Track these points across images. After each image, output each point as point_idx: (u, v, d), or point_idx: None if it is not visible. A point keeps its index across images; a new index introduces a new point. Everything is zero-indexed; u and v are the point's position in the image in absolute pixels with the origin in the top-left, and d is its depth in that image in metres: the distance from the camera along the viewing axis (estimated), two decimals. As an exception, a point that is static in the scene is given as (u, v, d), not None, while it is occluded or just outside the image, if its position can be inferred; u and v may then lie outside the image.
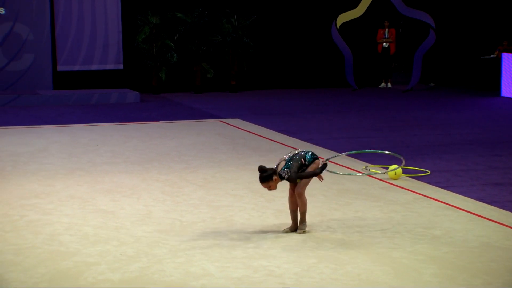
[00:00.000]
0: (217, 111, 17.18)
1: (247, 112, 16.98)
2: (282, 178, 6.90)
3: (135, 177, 9.75)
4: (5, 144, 12.42)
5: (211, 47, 21.77)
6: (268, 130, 13.94)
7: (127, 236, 7.02)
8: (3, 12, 20.25)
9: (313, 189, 8.47)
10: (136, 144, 12.34)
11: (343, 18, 22.13)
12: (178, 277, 5.90)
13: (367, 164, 10.51)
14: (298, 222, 7.15)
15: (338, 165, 10.48)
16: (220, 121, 15.33)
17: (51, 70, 20.64)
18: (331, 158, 7.54)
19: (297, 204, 7.10)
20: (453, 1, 23.73)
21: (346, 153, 9.09)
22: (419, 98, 19.94)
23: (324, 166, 7.03)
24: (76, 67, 21.02)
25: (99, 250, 6.58)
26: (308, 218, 7.37)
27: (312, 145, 12.23)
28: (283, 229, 7.19)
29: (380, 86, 23.30)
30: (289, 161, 6.95)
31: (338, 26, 22.03)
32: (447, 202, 8.28)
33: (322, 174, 7.11)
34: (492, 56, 21.85)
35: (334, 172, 7.75)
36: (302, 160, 7.01)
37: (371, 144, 12.44)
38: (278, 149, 11.71)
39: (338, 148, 11.97)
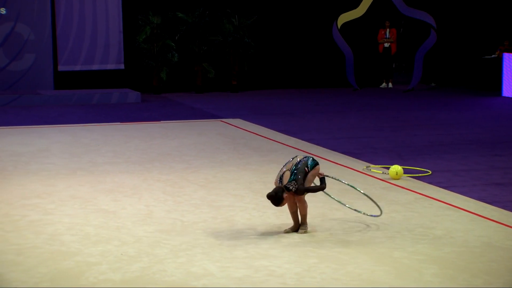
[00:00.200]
0: (218, 111, 17.18)
1: (248, 112, 16.98)
2: (289, 190, 6.91)
3: (136, 177, 9.75)
4: (6, 144, 12.43)
5: (212, 47, 21.77)
6: (269, 130, 13.95)
7: (128, 236, 7.03)
8: (4, 12, 20.26)
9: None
10: (137, 144, 12.35)
11: (344, 18, 22.12)
12: (179, 277, 5.90)
13: (368, 164, 10.51)
14: (301, 222, 7.14)
15: (340, 165, 10.48)
16: (221, 121, 15.34)
17: (52, 70, 20.64)
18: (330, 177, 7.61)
19: (296, 206, 7.11)
20: (454, 1, 23.72)
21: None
22: (420, 98, 19.93)
23: (324, 179, 7.07)
24: (77, 67, 21.03)
25: (100, 250, 6.58)
26: (309, 218, 7.37)
27: (313, 145, 12.23)
28: (284, 229, 7.19)
29: (381, 86, 23.30)
30: (295, 173, 6.95)
31: (339, 26, 22.03)
32: (448, 202, 8.28)
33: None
34: (493, 56, 21.84)
35: (338, 180, 7.75)
36: (306, 168, 7.02)
37: (372, 144, 12.44)
38: (279, 149, 11.72)
39: (339, 148, 11.97)
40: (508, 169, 10.33)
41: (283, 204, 6.93)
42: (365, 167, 10.25)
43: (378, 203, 8.14)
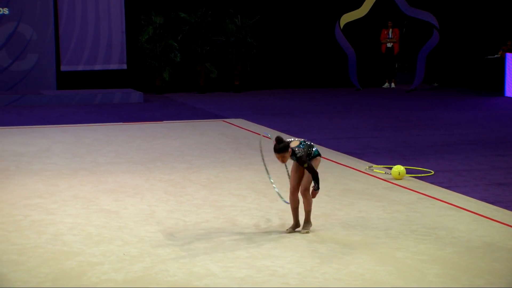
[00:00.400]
0: (220, 111, 17.18)
1: (250, 112, 16.98)
2: (293, 154, 6.90)
3: (139, 177, 9.75)
4: (8, 144, 12.44)
5: (215, 47, 21.77)
6: (271, 130, 13.94)
7: (131, 236, 7.03)
8: (7, 12, 20.28)
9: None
10: (139, 144, 12.35)
11: (347, 18, 22.12)
12: (181, 277, 5.90)
13: (370, 164, 10.51)
14: (303, 221, 7.15)
15: (342, 165, 10.48)
16: (223, 121, 15.34)
17: (55, 70, 20.67)
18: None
19: (298, 201, 7.11)
20: (457, 1, 23.71)
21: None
22: (423, 98, 19.92)
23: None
24: (80, 67, 21.04)
25: (103, 250, 6.58)
26: (311, 218, 7.37)
27: (315, 145, 12.20)
28: (286, 229, 7.19)
29: (383, 86, 23.29)
30: (303, 143, 7.00)
31: (341, 26, 22.03)
32: (450, 202, 8.28)
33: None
34: (496, 56, 21.83)
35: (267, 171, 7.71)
36: (311, 150, 7.03)
37: (373, 144, 12.43)
38: (281, 149, 11.71)
39: (341, 148, 11.97)
40: (511, 169, 10.32)
41: (283, 159, 6.89)
42: (367, 167, 10.25)
43: (380, 203, 8.16)
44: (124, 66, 21.35)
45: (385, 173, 9.82)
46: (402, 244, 6.74)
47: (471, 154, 11.49)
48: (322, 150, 11.55)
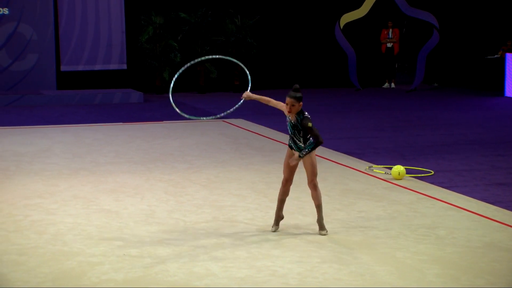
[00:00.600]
0: (220, 111, 17.15)
1: (250, 112, 16.98)
2: (301, 113, 6.88)
3: (139, 177, 9.76)
4: (8, 144, 12.44)
5: (215, 47, 21.77)
6: (271, 130, 13.95)
7: (131, 236, 7.03)
8: (7, 12, 20.28)
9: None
10: (139, 144, 12.35)
11: (347, 18, 22.12)
12: (181, 277, 5.90)
13: (370, 164, 10.51)
14: (317, 219, 7.01)
15: (341, 165, 10.48)
16: (223, 121, 15.34)
17: (55, 70, 20.67)
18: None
19: (287, 194, 7.12)
20: (457, 1, 23.71)
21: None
22: (423, 98, 19.92)
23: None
24: (80, 67, 21.04)
25: (103, 250, 6.58)
26: (311, 219, 7.38)
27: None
28: (271, 227, 7.18)
29: (383, 86, 23.29)
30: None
31: (341, 26, 22.03)
32: (450, 202, 8.28)
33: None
34: (495, 56, 21.83)
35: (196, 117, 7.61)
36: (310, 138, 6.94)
37: (374, 144, 12.44)
38: (281, 149, 11.71)
39: (341, 148, 11.97)
40: (511, 169, 10.32)
41: (292, 108, 6.85)
42: (367, 167, 10.25)
43: (380, 203, 8.16)
44: (124, 66, 21.35)
45: (385, 173, 9.82)
46: (402, 244, 6.74)
47: (471, 154, 11.49)
48: (323, 150, 11.56)
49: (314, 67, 23.12)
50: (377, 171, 10.02)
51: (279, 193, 7.16)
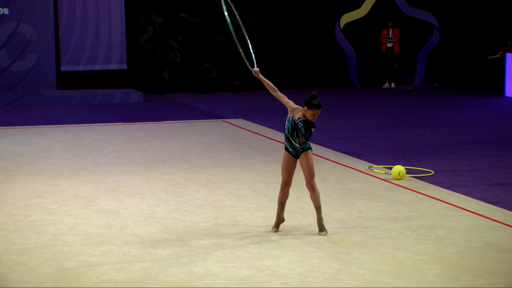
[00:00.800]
0: (220, 111, 17.18)
1: (250, 112, 16.99)
2: (309, 120, 6.87)
3: (139, 177, 9.76)
4: (9, 144, 12.44)
5: (215, 47, 21.78)
6: (271, 130, 13.95)
7: (131, 236, 7.03)
8: (7, 12, 20.28)
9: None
10: (139, 144, 12.35)
11: (347, 18, 22.12)
12: (181, 277, 5.90)
13: (370, 164, 10.51)
14: (317, 219, 7.03)
15: (341, 165, 10.48)
16: (223, 121, 15.34)
17: (55, 70, 20.67)
18: None
19: (287, 197, 7.12)
20: (457, 1, 23.71)
21: None
22: (423, 98, 19.93)
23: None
24: (80, 67, 21.05)
25: (103, 250, 6.58)
26: (311, 219, 7.37)
27: (315, 145, 12.21)
28: (271, 228, 7.18)
29: (383, 86, 23.29)
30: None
31: (341, 26, 22.03)
32: (450, 202, 8.28)
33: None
34: (496, 56, 21.83)
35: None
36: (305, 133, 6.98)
37: (374, 144, 12.44)
38: (281, 149, 11.65)
39: (341, 148, 11.97)
40: (511, 169, 10.32)
41: (318, 114, 6.86)
42: (367, 167, 10.25)
43: (380, 203, 8.16)
44: (124, 66, 21.35)
45: (385, 173, 9.82)
46: (402, 244, 6.74)
47: (471, 154, 11.49)
48: (323, 150, 11.57)
49: (314, 67, 23.12)
50: (377, 171, 10.02)
51: (279, 196, 7.16)
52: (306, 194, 8.39)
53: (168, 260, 6.29)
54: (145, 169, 10.30)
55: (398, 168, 9.55)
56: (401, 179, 9.47)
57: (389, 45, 22.87)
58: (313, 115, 6.86)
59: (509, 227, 7.31)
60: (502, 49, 21.63)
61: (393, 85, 23.23)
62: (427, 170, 10.14)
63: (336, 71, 23.12)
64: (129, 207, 8.15)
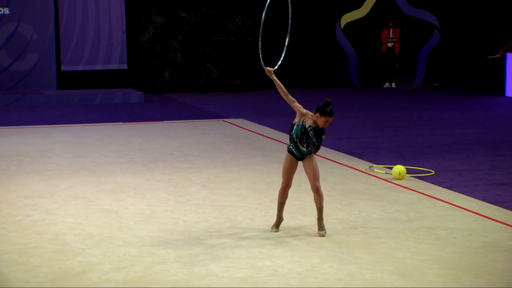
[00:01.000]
0: (221, 111, 17.18)
1: (251, 112, 16.99)
2: (319, 127, 6.84)
3: (139, 177, 9.76)
4: (9, 143, 12.44)
5: (215, 47, 21.77)
6: (272, 130, 13.95)
7: (131, 236, 7.03)
8: (7, 12, 20.28)
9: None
10: (140, 144, 12.35)
11: (347, 18, 22.13)
12: (181, 277, 5.90)
13: (371, 164, 10.51)
14: (318, 219, 7.04)
15: (342, 165, 10.48)
16: (224, 121, 15.34)
17: (55, 70, 20.67)
18: None
19: (286, 197, 7.13)
20: (457, 1, 23.70)
21: None
22: (423, 98, 19.92)
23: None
24: (80, 67, 21.05)
25: (103, 250, 6.58)
26: (311, 218, 7.37)
27: (316, 145, 12.22)
28: (271, 228, 7.19)
29: (384, 86, 23.29)
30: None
31: (342, 26, 22.03)
32: (451, 202, 8.28)
33: None
34: (496, 56, 21.83)
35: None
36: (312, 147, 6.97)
37: (374, 144, 12.43)
38: (282, 149, 11.71)
39: (341, 148, 11.97)
40: (511, 169, 10.32)
41: (316, 117, 6.79)
42: (368, 167, 10.25)
43: (380, 203, 8.15)
44: (125, 66, 21.35)
45: (386, 173, 9.82)
46: (402, 244, 6.74)
47: (471, 154, 11.49)
48: (323, 150, 11.56)
49: (314, 67, 23.12)
50: (378, 171, 10.02)
51: (279, 196, 7.16)
52: (306, 194, 8.40)
53: (168, 260, 6.29)
54: (146, 169, 10.30)
55: (399, 168, 9.55)
56: (401, 179, 9.47)
57: (389, 45, 22.86)
58: (325, 122, 6.85)
59: (510, 227, 7.31)
60: (503, 49, 21.62)
61: (393, 85, 23.23)
62: (428, 170, 10.14)
63: (336, 71, 23.11)
64: (129, 207, 8.15)
